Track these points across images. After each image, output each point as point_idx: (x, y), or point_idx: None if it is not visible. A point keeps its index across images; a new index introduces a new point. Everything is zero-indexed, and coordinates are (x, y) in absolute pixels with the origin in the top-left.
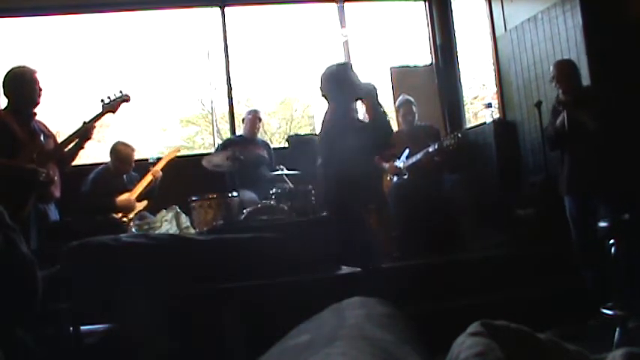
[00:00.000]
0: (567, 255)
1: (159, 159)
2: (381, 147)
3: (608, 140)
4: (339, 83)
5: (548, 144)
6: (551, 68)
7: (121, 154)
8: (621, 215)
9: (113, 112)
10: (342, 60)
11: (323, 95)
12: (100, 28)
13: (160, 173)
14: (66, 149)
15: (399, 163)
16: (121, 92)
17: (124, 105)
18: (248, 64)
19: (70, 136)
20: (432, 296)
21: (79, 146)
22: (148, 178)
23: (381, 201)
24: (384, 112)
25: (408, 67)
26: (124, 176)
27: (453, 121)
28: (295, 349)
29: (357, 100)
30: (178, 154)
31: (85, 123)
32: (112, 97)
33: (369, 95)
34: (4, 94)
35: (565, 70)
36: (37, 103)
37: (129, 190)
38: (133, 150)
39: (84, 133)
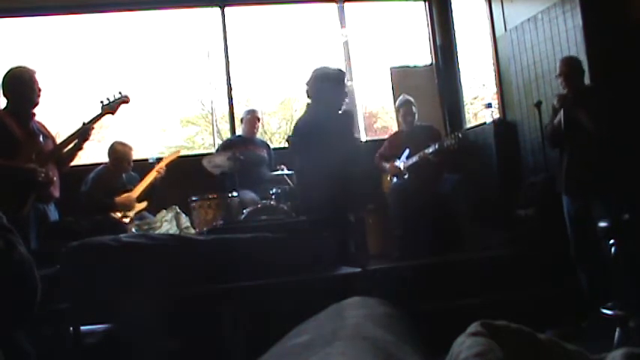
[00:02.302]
0: (567, 255)
1: (159, 159)
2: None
3: (606, 140)
4: (337, 86)
5: (547, 142)
6: (558, 64)
7: (118, 153)
8: (621, 215)
9: (112, 113)
10: (342, 61)
11: (309, 93)
12: (100, 28)
13: (164, 169)
14: (65, 150)
15: (399, 164)
16: (120, 93)
17: (123, 105)
18: (248, 64)
19: (69, 136)
20: (432, 296)
21: (78, 147)
22: (152, 174)
23: (379, 202)
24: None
25: (408, 67)
26: (123, 176)
27: (453, 121)
28: (295, 349)
29: (338, 110)
30: (178, 156)
31: (84, 124)
32: (112, 99)
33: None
34: (3, 94)
35: (572, 66)
36: (36, 104)
37: (128, 189)
38: (130, 149)
39: (83, 134)
